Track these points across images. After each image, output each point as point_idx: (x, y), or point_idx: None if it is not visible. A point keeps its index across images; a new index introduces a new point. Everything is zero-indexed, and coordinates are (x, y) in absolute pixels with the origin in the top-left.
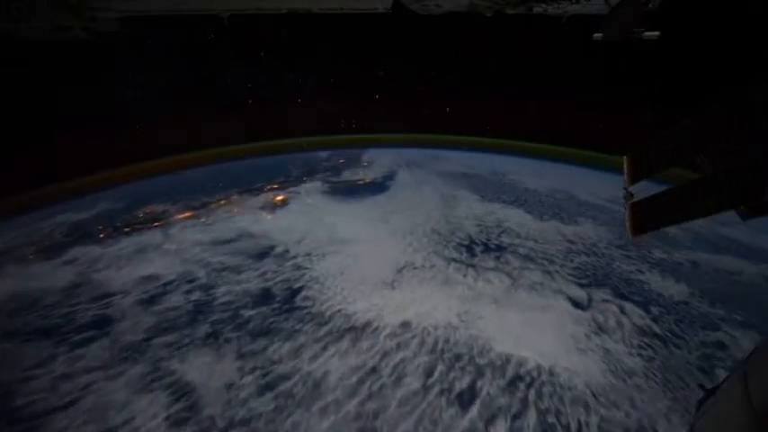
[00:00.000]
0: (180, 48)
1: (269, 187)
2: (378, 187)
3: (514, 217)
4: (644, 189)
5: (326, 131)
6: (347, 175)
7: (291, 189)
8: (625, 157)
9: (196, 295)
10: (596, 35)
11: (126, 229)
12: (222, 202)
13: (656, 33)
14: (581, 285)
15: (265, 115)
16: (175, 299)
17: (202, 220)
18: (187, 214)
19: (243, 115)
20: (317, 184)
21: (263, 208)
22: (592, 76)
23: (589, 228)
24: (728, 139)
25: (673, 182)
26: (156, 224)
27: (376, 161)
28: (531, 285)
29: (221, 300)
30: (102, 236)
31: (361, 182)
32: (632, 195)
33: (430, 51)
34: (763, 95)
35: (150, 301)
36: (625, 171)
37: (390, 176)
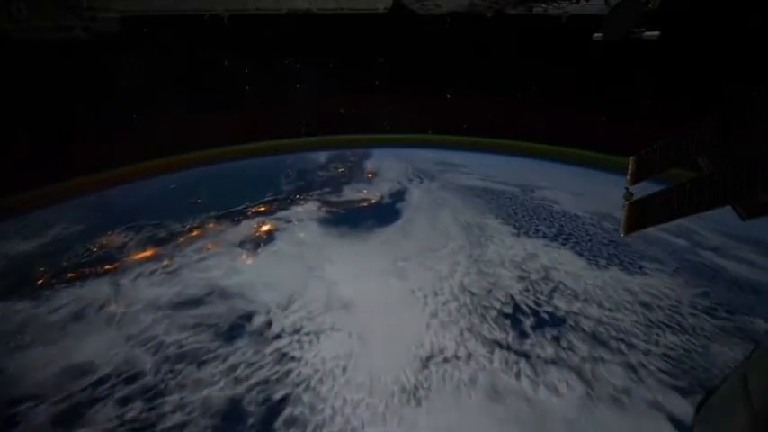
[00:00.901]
0: (178, 47)
1: (254, 209)
2: (386, 212)
3: (563, 262)
4: (644, 190)
5: (326, 131)
6: (348, 193)
7: (281, 214)
8: (631, 159)
9: (134, 410)
10: (596, 35)
11: (70, 275)
12: (195, 232)
13: (656, 33)
14: (681, 392)
15: (263, 115)
16: (104, 415)
17: (165, 263)
18: (148, 253)
19: (239, 115)
20: (313, 205)
21: (243, 245)
22: (592, 76)
23: (660, 279)
24: (729, 141)
25: (673, 182)
26: (107, 267)
27: (381, 170)
28: (613, 395)
29: (168, 421)
30: (40, 282)
31: (365, 203)
32: (632, 195)
33: (431, 51)
34: (763, 98)
35: (68, 418)
36: (629, 172)
37: (399, 194)
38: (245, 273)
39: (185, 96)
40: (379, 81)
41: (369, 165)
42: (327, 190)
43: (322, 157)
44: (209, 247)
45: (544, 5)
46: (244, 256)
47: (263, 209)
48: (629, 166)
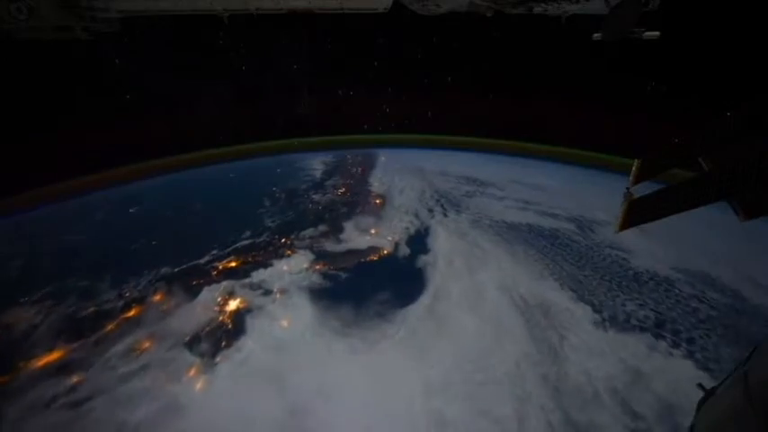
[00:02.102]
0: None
1: (221, 265)
2: (405, 273)
3: (687, 390)
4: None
5: (327, 132)
6: (351, 235)
7: (257, 275)
8: (636, 161)
9: None
10: (596, 35)
11: None
12: (132, 311)
13: (656, 33)
14: None
15: (259, 113)
16: None
17: (75, 380)
18: (56, 355)
19: (233, 113)
20: (303, 259)
21: (194, 345)
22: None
23: None
24: (728, 144)
25: (672, 182)
26: None
27: (391, 193)
28: None
29: None
30: None
31: (374, 255)
32: (632, 195)
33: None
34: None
35: None
36: (633, 173)
37: (420, 239)
38: (189, 418)
39: (172, 94)
40: (379, 62)
41: (375, 183)
42: (323, 229)
43: (318, 167)
44: (146, 346)
45: (544, 5)
46: (192, 373)
47: (233, 264)
48: (633, 168)
